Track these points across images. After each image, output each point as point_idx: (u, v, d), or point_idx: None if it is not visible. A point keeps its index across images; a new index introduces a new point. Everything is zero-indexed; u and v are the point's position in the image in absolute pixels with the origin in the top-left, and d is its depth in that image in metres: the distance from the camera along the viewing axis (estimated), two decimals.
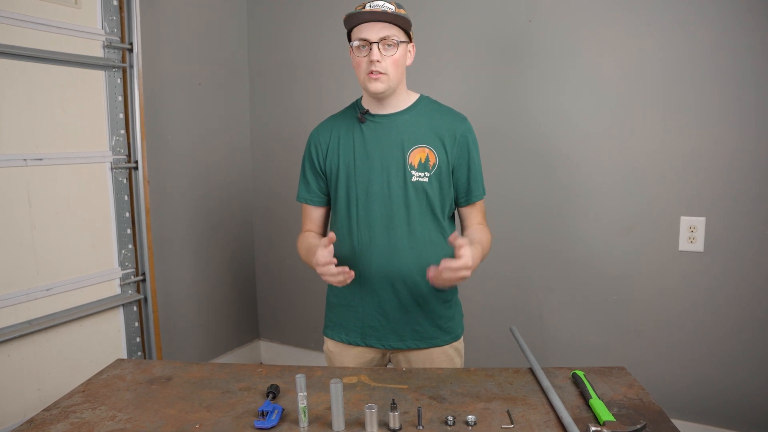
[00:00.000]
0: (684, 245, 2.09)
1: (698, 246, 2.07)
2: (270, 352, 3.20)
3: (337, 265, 1.30)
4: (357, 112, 1.44)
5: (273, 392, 1.21)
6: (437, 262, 1.38)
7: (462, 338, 1.53)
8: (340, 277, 1.30)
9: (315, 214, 1.54)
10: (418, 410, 1.09)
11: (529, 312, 2.40)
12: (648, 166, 2.12)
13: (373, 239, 1.41)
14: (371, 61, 1.31)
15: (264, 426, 1.09)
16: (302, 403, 1.09)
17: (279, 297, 3.12)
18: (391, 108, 1.41)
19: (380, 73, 1.32)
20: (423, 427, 1.09)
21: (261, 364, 3.19)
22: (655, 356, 2.18)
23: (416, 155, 1.39)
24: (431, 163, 1.39)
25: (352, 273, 1.30)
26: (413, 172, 1.38)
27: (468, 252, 1.21)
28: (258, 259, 3.16)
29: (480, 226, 1.48)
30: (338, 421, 1.09)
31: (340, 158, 1.44)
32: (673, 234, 2.10)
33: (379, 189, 1.40)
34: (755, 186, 1.98)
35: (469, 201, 1.46)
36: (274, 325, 3.18)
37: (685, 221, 2.08)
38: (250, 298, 3.17)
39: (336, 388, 1.08)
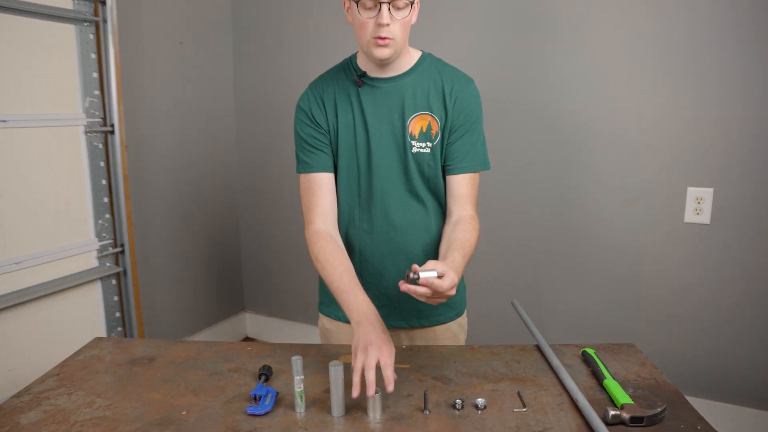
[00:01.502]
0: (690, 217, 2.03)
1: (705, 218, 2.01)
2: (256, 325, 3.12)
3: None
4: (353, 74, 1.31)
5: (265, 374, 1.13)
6: (439, 238, 1.30)
7: (465, 313, 1.46)
8: None
9: (326, 185, 1.30)
10: (425, 394, 1.02)
11: (529, 285, 2.35)
12: (654, 134, 2.05)
13: (375, 215, 1.31)
14: (379, 25, 1.16)
15: (257, 412, 1.01)
16: (299, 387, 1.01)
17: (265, 267, 3.02)
18: (391, 70, 1.28)
19: (388, 38, 1.18)
20: (430, 411, 1.01)
21: (248, 338, 3.12)
22: (659, 330, 2.15)
23: (417, 123, 1.27)
24: (433, 132, 1.27)
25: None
26: (414, 142, 1.27)
27: (452, 275, 1.02)
28: (243, 228, 3.05)
29: (464, 223, 1.24)
30: (338, 407, 1.00)
31: (339, 125, 1.31)
32: (679, 205, 2.04)
33: (379, 161, 1.28)
34: (765, 156, 1.91)
35: (454, 170, 1.28)
36: (260, 297, 3.09)
37: (692, 192, 2.01)
38: (234, 269, 3.07)
39: (336, 371, 0.99)
